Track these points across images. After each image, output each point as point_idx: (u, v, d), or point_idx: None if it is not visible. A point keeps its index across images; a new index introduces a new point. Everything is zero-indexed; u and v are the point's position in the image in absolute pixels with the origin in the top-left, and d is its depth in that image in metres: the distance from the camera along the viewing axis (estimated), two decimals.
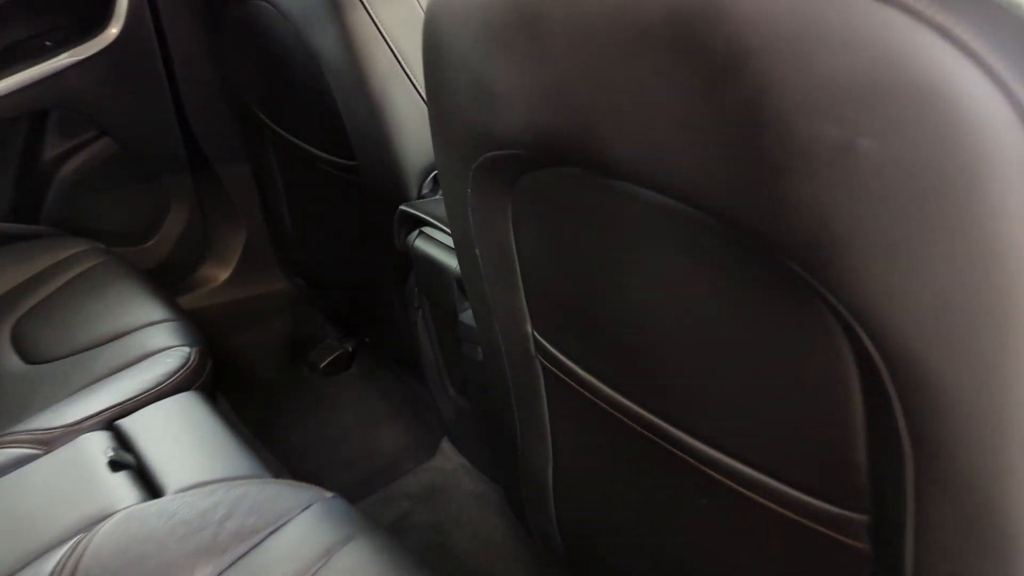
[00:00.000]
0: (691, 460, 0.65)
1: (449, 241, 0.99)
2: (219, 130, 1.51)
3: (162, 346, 1.04)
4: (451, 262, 0.98)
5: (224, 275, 1.63)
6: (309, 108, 1.21)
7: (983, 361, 0.40)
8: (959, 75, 0.35)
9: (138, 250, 1.55)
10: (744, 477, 0.60)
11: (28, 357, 1.07)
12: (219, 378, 1.08)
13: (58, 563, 0.73)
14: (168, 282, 1.58)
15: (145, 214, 1.55)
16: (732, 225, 0.49)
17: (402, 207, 1.04)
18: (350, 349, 1.66)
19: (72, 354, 1.05)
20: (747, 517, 0.62)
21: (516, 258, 0.74)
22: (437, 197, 1.07)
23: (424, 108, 1.02)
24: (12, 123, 1.38)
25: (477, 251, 0.77)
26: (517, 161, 0.64)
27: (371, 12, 0.99)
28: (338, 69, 1.04)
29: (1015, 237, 0.37)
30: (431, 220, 1.00)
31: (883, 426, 0.47)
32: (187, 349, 1.03)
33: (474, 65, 0.62)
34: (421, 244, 1.02)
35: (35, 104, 1.37)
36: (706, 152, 0.48)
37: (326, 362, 1.65)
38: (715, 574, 0.71)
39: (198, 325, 1.17)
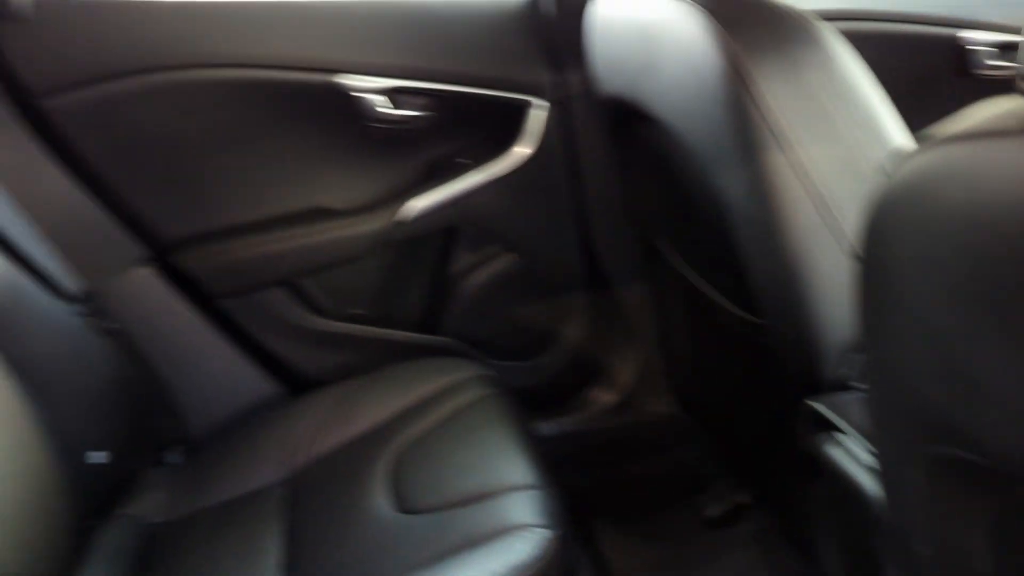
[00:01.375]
0: None
1: (871, 461, 0.73)
2: (620, 250, 1.40)
3: (520, 522, 0.92)
4: (878, 492, 0.72)
5: (612, 398, 1.51)
6: (710, 247, 1.03)
7: None
8: None
9: (528, 365, 1.50)
10: None
11: (399, 502, 1.03)
12: (591, 514, 0.94)
13: None
14: (552, 401, 1.51)
15: (539, 330, 1.50)
16: None
17: (809, 402, 0.80)
18: (743, 503, 1.43)
19: (435, 510, 0.99)
20: None
21: None
22: (864, 393, 0.81)
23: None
24: (425, 238, 1.42)
25: (922, 548, 0.51)
26: (1008, 476, 0.39)
27: (792, 156, 0.77)
28: (747, 217, 0.85)
29: None
30: (850, 430, 0.75)
31: None
32: (545, 534, 0.91)
33: (941, 326, 0.38)
34: (834, 454, 0.77)
35: (449, 220, 1.39)
36: None
37: (714, 512, 1.43)
38: None
39: (579, 452, 1.04)
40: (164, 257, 1.30)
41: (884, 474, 0.53)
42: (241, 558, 1.04)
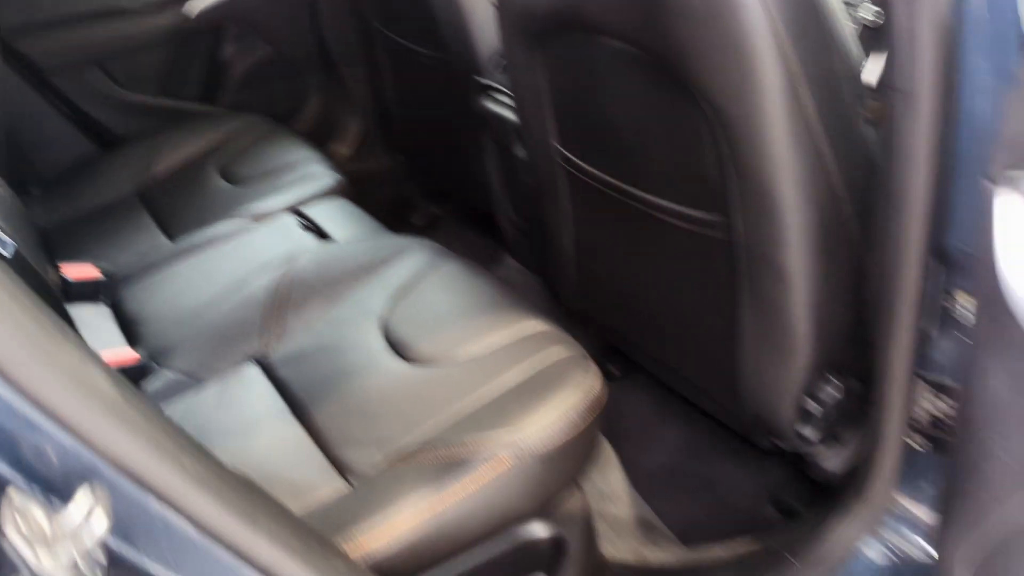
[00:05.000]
0: (632, 203, 1.14)
1: (510, 102, 1.48)
2: (344, 40, 2.03)
3: (316, 174, 1.60)
4: (511, 116, 1.47)
5: (346, 152, 2.17)
6: (414, 14, 1.69)
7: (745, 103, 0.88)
8: None
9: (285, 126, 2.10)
10: (656, 206, 1.10)
11: (228, 178, 1.63)
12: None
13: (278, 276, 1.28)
14: None
15: (291, 102, 2.10)
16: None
17: (476, 77, 1.53)
18: (438, 214, 2.18)
19: (260, 175, 1.62)
20: (662, 234, 1.12)
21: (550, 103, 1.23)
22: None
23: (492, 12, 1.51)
24: (200, 34, 1.95)
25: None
26: (542, 33, 1.13)
27: None
28: None
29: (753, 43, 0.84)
30: (497, 86, 1.50)
31: (720, 157, 0.95)
32: (335, 175, 1.59)
33: None
34: (490, 104, 1.52)
35: (217, 18, 1.93)
36: None
37: (419, 222, 2.18)
38: (652, 282, 1.21)
39: None
40: (8, 41, 1.69)
41: (510, 72, 1.26)
42: (136, 238, 1.57)
